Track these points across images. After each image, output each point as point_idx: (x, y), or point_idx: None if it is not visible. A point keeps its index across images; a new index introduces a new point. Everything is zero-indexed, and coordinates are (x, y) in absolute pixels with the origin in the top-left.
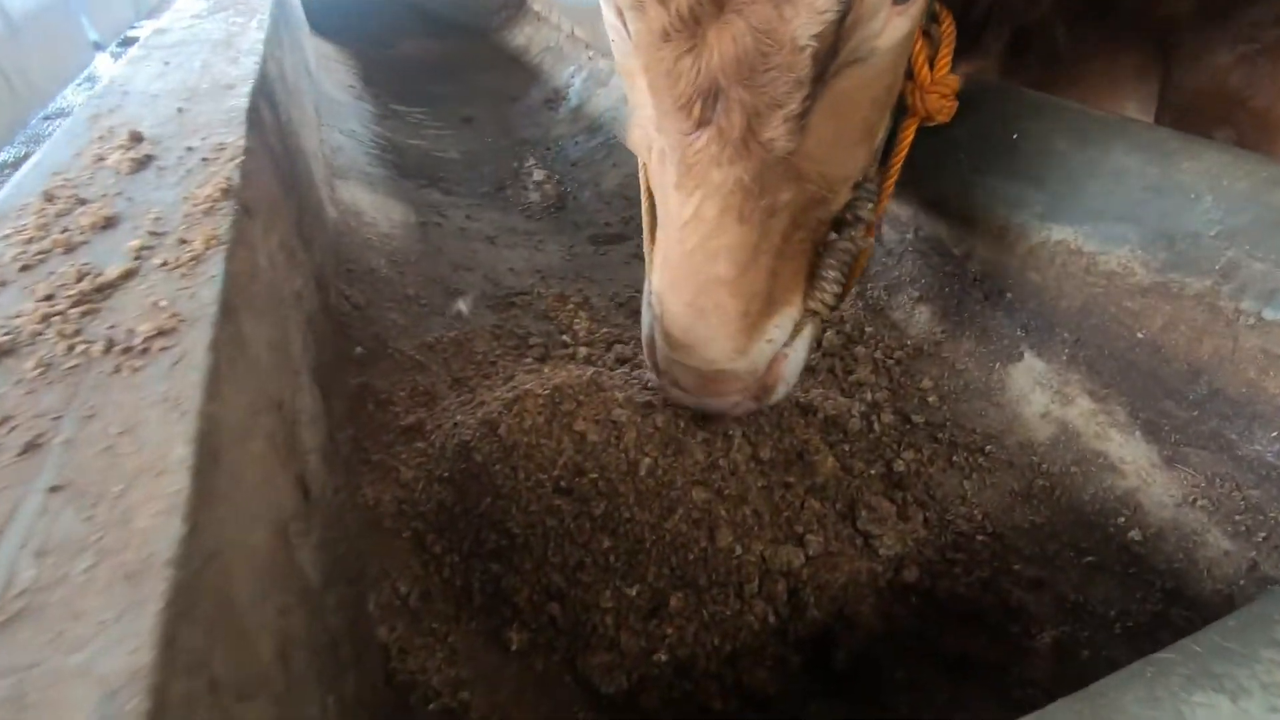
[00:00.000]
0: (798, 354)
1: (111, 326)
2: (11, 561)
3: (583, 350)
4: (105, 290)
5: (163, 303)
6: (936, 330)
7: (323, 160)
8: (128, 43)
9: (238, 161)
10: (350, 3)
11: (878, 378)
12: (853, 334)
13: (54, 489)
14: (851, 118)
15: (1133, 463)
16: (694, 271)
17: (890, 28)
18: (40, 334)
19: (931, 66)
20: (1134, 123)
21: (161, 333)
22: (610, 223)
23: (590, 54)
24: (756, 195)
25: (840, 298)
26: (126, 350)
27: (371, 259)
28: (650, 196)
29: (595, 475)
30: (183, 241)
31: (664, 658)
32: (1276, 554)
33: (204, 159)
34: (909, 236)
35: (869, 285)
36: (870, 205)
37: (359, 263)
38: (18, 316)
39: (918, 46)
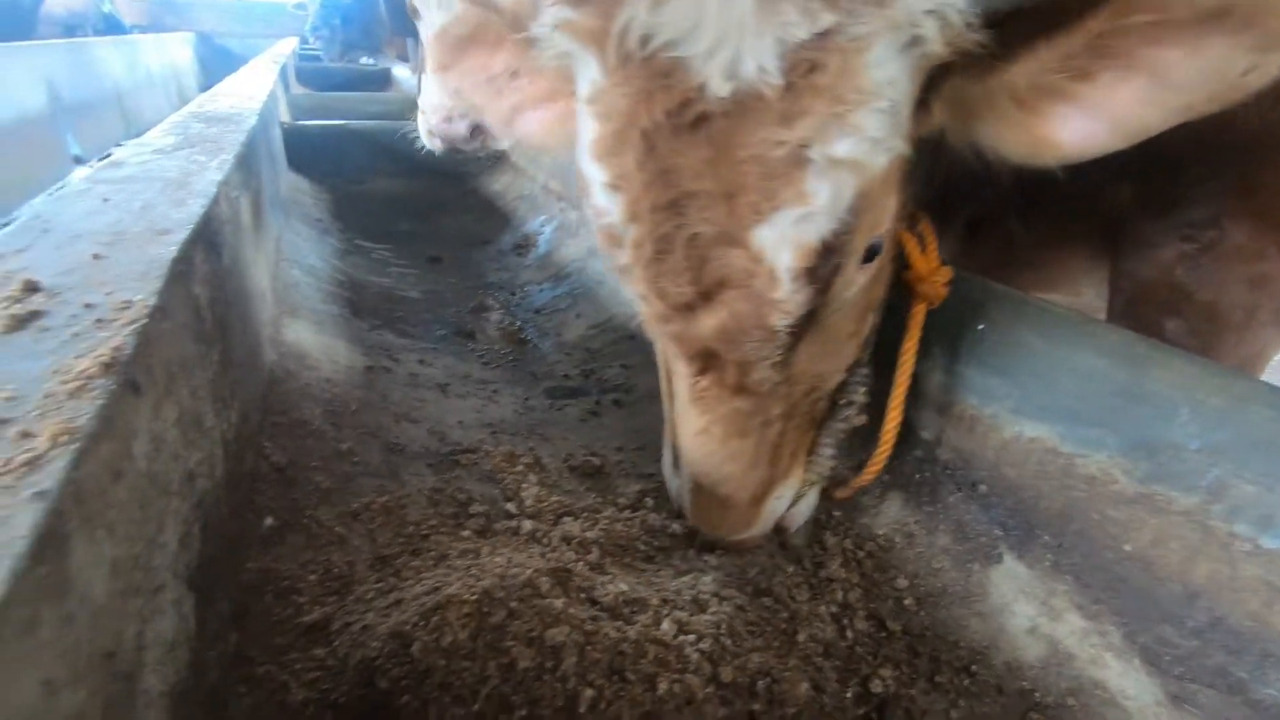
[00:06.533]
0: (801, 510)
1: None
2: None
3: (528, 524)
4: None
5: None
6: (909, 521)
7: (273, 298)
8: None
9: (137, 326)
10: (328, 141)
11: (849, 573)
12: (820, 517)
13: None
14: (836, 336)
15: (1136, 698)
16: (709, 471)
17: (859, 280)
18: None
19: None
20: (1097, 323)
21: None
22: (569, 375)
23: (562, 205)
24: (755, 415)
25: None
26: None
27: (306, 409)
28: (668, 374)
29: (524, 713)
30: (25, 435)
31: None
32: None
33: (99, 320)
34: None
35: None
36: (864, 389)
37: (290, 414)
38: None
39: (910, 244)
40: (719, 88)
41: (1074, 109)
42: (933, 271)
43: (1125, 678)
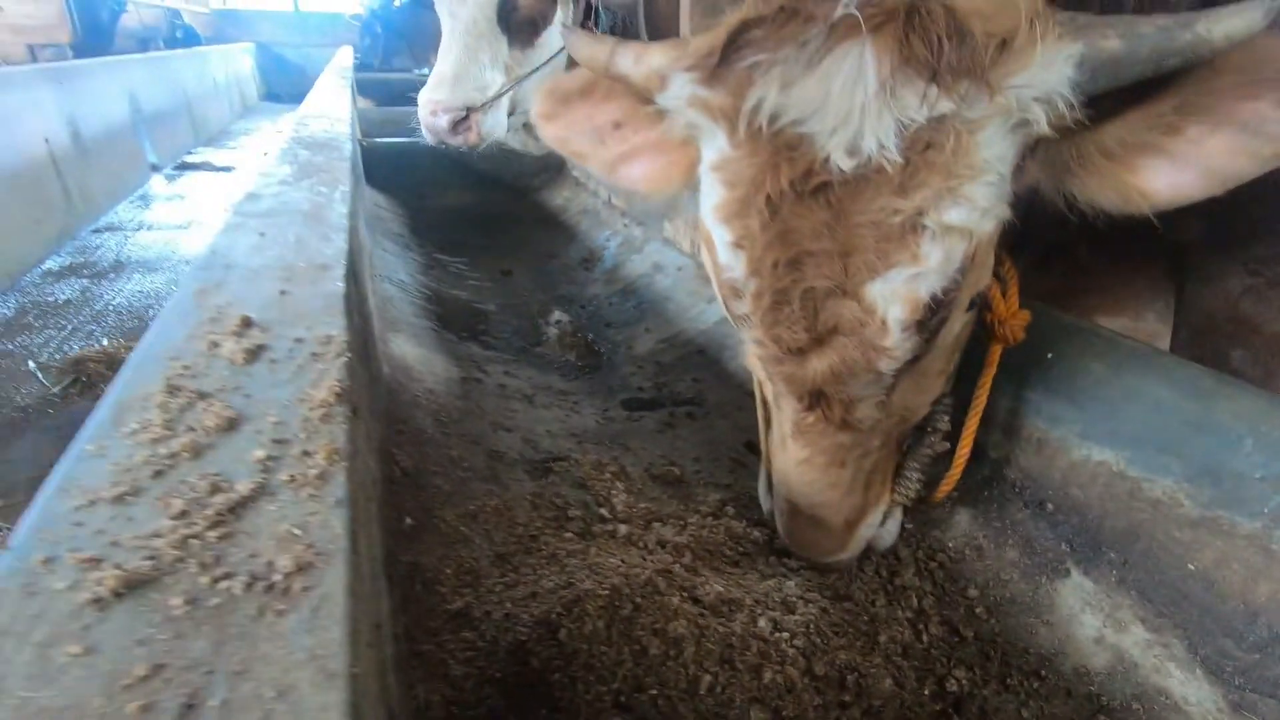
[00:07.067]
0: (889, 530)
1: (251, 556)
2: None
3: (623, 528)
4: (238, 509)
5: (296, 530)
6: (978, 535)
7: (377, 313)
8: (184, 167)
9: (344, 361)
10: (401, 157)
11: (922, 581)
12: None
13: None
14: (930, 374)
15: (1198, 705)
16: (807, 498)
17: (957, 327)
18: (181, 561)
19: (1005, 297)
20: (1166, 355)
21: (300, 569)
22: (643, 388)
23: (625, 221)
24: (854, 448)
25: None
26: (269, 589)
27: (419, 418)
28: (764, 402)
29: (655, 692)
30: (306, 454)
31: None
32: None
33: (313, 354)
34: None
35: None
36: (947, 417)
37: (408, 423)
38: (156, 536)
39: (994, 287)
40: (841, 161)
41: (1164, 161)
42: (1013, 315)
43: (1188, 686)
